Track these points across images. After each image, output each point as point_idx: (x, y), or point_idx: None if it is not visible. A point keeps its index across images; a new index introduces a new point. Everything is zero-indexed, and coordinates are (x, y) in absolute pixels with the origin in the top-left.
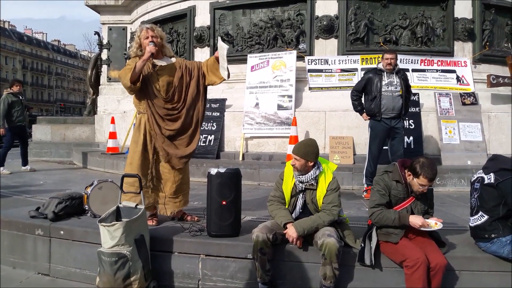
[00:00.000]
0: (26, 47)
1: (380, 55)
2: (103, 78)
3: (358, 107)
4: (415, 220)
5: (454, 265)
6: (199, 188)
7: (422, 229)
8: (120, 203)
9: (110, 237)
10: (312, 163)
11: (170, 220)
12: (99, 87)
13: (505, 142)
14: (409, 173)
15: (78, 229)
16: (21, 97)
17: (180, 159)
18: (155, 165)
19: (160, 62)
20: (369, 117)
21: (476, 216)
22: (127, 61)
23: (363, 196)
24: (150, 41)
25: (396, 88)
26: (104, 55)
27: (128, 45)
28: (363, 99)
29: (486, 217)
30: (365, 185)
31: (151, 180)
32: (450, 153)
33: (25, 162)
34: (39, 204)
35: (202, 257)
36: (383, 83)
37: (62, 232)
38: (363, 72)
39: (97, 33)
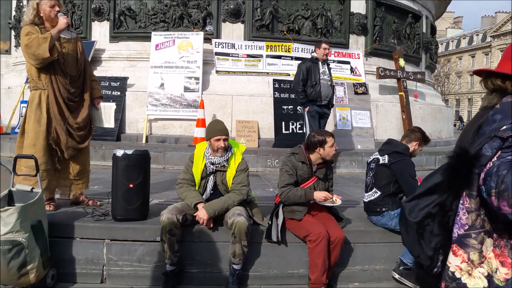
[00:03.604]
0: None
1: (284, 43)
2: None
3: (303, 99)
4: (320, 194)
5: (350, 238)
6: (99, 172)
7: (324, 203)
8: (13, 186)
9: (2, 224)
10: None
11: (69, 205)
12: None
13: (389, 128)
14: (318, 148)
15: None
16: None
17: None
18: (59, 146)
19: (63, 34)
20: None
21: (370, 192)
22: (25, 28)
23: None
24: (58, 11)
25: (328, 77)
26: None
27: (14, 13)
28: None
29: (379, 193)
30: None
31: (58, 162)
32: (343, 138)
33: None
34: None
35: (107, 241)
36: (320, 71)
37: None
38: (268, 58)
39: None
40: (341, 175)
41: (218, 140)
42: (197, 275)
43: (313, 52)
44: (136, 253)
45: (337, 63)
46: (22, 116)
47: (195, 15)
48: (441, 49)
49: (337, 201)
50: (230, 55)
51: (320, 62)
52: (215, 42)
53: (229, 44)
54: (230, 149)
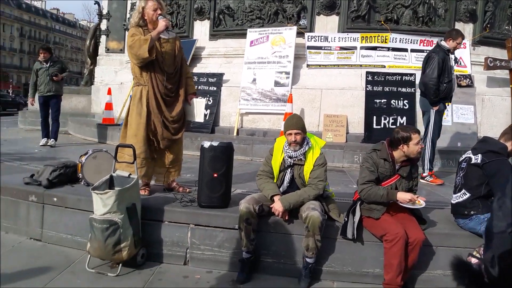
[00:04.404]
0: (24, 14)
1: (380, 34)
2: (101, 49)
3: (436, 98)
4: (404, 196)
5: (432, 240)
6: (193, 162)
7: (405, 205)
8: (114, 172)
9: (102, 205)
10: (304, 136)
11: (162, 190)
12: (97, 57)
13: (496, 125)
14: (401, 145)
15: (71, 196)
16: (46, 65)
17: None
18: (156, 137)
19: (162, 35)
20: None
21: (458, 194)
22: (131, 30)
23: (429, 181)
24: (159, 15)
25: (453, 71)
26: (103, 26)
27: (128, 15)
28: None
29: (468, 195)
30: (428, 170)
31: (154, 152)
32: (442, 135)
33: (50, 135)
34: (33, 171)
35: (192, 226)
36: (451, 64)
37: (55, 199)
38: (362, 50)
39: (97, 2)
40: (436, 174)
41: (290, 134)
42: (272, 265)
43: (441, 41)
44: (216, 239)
45: None
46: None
47: (290, 10)
48: None
49: (420, 202)
50: (323, 48)
51: (450, 54)
52: (308, 36)
53: (322, 37)
54: (308, 144)
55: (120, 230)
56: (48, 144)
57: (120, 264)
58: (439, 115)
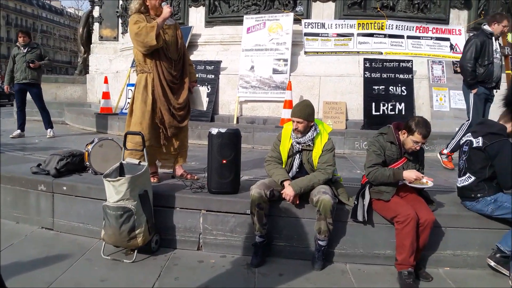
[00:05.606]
0: (9, 1)
1: (376, 21)
2: (94, 37)
3: (473, 80)
4: (409, 174)
5: (441, 221)
6: (195, 150)
7: (413, 185)
8: (123, 160)
9: (115, 192)
10: (312, 123)
11: (171, 178)
12: (91, 45)
13: (493, 110)
14: (404, 131)
15: (81, 185)
16: (23, 50)
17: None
18: (164, 124)
19: (166, 22)
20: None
21: (463, 177)
22: (133, 17)
23: (442, 160)
24: (162, 1)
25: (500, 55)
26: (96, 13)
27: (121, 2)
28: None
29: (473, 178)
30: (449, 151)
31: (163, 139)
32: (440, 120)
33: (44, 125)
34: (38, 161)
35: (203, 212)
36: (494, 48)
37: (64, 188)
38: (359, 37)
39: None
40: (436, 159)
41: (293, 121)
42: (284, 248)
43: (484, 25)
44: (228, 224)
45: (435, 40)
46: (129, 98)
47: None
48: None
49: (428, 183)
50: (320, 35)
51: (493, 37)
52: (305, 23)
53: (319, 24)
54: (316, 129)
55: (134, 216)
56: (47, 136)
57: (136, 251)
58: (479, 98)
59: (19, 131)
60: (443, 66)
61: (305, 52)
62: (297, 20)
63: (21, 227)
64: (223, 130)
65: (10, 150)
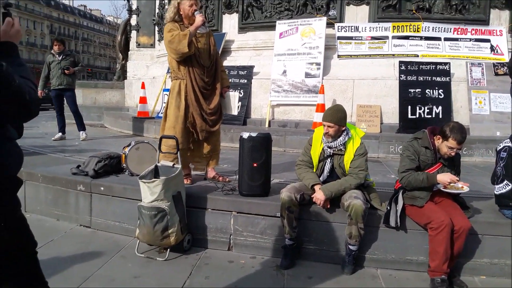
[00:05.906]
0: (53, 12)
1: (412, 23)
2: (132, 44)
3: None
4: (444, 177)
5: (477, 229)
6: (227, 153)
7: (448, 190)
8: (158, 162)
9: (150, 193)
10: (343, 128)
11: (203, 180)
12: (128, 52)
13: None
14: (438, 136)
15: (117, 185)
16: (58, 58)
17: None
18: (195, 128)
19: (199, 30)
20: None
21: (501, 185)
22: (168, 25)
23: None
24: (195, 10)
25: None
26: (133, 21)
27: (157, 11)
28: None
29: (511, 185)
30: None
31: (192, 143)
32: (479, 124)
33: (77, 128)
34: (78, 162)
35: (234, 214)
36: None
37: (102, 188)
38: (394, 39)
39: None
40: (475, 164)
41: (324, 125)
42: (314, 252)
43: None
44: (258, 226)
45: (474, 41)
46: (164, 103)
47: (319, 1)
48: None
49: (464, 187)
50: (353, 38)
51: None
52: (338, 26)
53: (352, 27)
54: (348, 134)
55: (168, 216)
56: (81, 139)
57: (168, 249)
58: None
59: (60, 133)
60: (482, 68)
61: (338, 56)
62: (330, 24)
63: (61, 224)
64: (254, 134)
65: (52, 152)
